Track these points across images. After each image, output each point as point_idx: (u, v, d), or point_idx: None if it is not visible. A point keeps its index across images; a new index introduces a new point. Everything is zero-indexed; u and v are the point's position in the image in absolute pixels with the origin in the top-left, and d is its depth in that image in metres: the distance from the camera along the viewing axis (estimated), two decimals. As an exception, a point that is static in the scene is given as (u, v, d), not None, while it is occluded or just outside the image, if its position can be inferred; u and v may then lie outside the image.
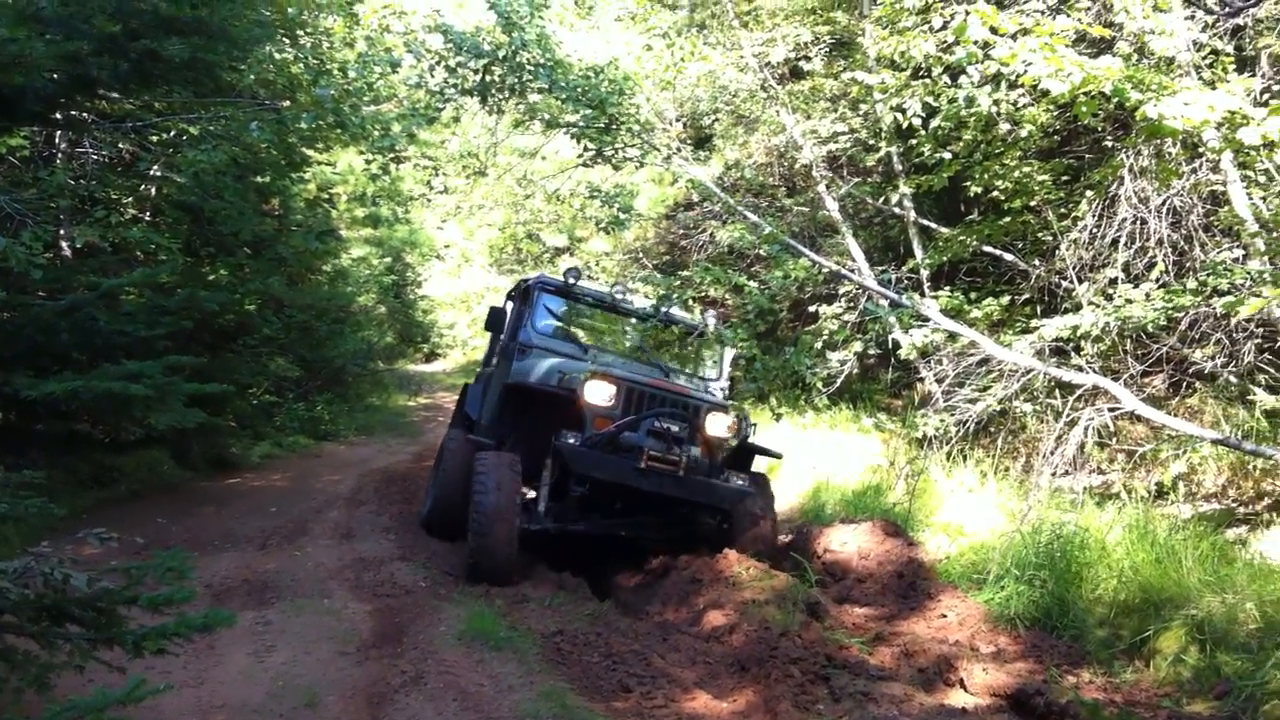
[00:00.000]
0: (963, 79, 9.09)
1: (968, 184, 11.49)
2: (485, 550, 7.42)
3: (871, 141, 14.00)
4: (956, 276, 12.83)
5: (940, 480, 10.24)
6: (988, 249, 12.30)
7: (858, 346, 10.51)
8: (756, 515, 8.46)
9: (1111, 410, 7.83)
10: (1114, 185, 10.22)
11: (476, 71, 10.50)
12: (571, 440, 7.78)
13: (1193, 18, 8.88)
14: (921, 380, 12.49)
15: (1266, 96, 8.56)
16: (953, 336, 9.19)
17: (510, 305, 10.38)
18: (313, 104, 11.33)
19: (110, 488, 9.66)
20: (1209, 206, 9.93)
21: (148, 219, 11.51)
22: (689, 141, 17.46)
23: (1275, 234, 8.36)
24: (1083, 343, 8.66)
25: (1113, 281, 9.80)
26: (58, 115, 8.54)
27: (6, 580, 3.41)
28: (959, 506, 9.79)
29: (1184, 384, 10.44)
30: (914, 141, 11.52)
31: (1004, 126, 10.52)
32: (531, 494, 8.15)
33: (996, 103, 9.81)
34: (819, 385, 10.65)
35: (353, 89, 12.11)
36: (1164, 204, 9.73)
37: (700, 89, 16.36)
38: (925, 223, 13.48)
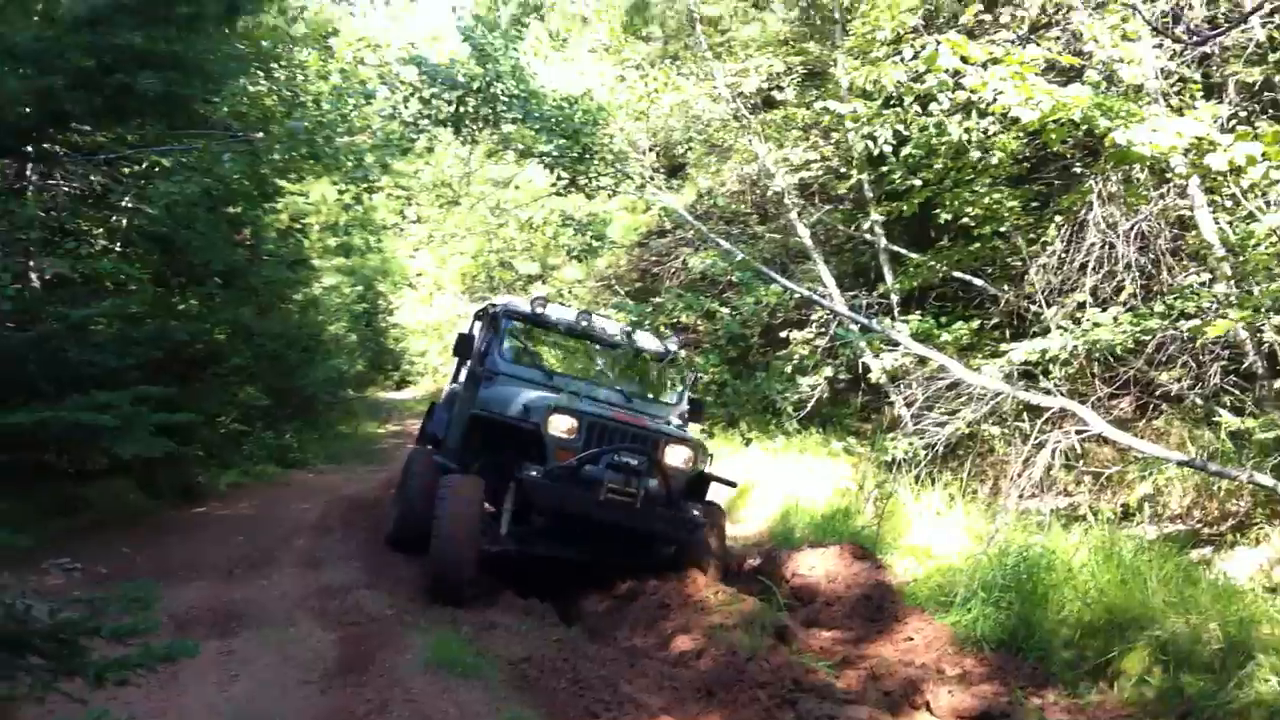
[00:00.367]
0: (933, 107, 9.20)
1: (938, 210, 11.59)
2: (446, 569, 7.64)
3: (843, 169, 14.12)
4: (926, 301, 12.93)
5: (909, 503, 10.26)
6: (957, 274, 12.39)
7: (828, 371, 10.60)
8: (708, 544, 8.69)
9: (1079, 433, 7.90)
10: (1082, 210, 10.35)
11: (450, 103, 10.56)
12: (534, 473, 7.97)
13: (1160, 46, 9.01)
14: (891, 404, 12.55)
15: (1233, 123, 8.67)
16: (922, 360, 9.27)
17: (478, 327, 10.43)
18: (286, 135, 11.35)
19: (75, 517, 9.56)
20: (1176, 231, 10.06)
21: (118, 250, 11.46)
22: (662, 170, 17.54)
23: (1241, 258, 8.46)
24: (1051, 366, 8.72)
25: (1081, 305, 9.90)
26: (29, 149, 8.50)
27: (-32, 612, 3.39)
28: (927, 529, 9.81)
29: (1150, 406, 10.52)
30: (885, 169, 11.63)
31: (974, 154, 10.63)
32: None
33: (967, 130, 9.94)
34: (789, 410, 10.72)
35: (327, 120, 12.14)
36: (1132, 229, 9.85)
37: (673, 119, 16.45)
38: (896, 248, 13.58)
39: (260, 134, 11.88)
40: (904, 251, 13.43)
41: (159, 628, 3.74)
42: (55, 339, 7.91)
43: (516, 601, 7.86)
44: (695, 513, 8.49)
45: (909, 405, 10.05)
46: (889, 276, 13.46)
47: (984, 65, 6.58)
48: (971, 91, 6.75)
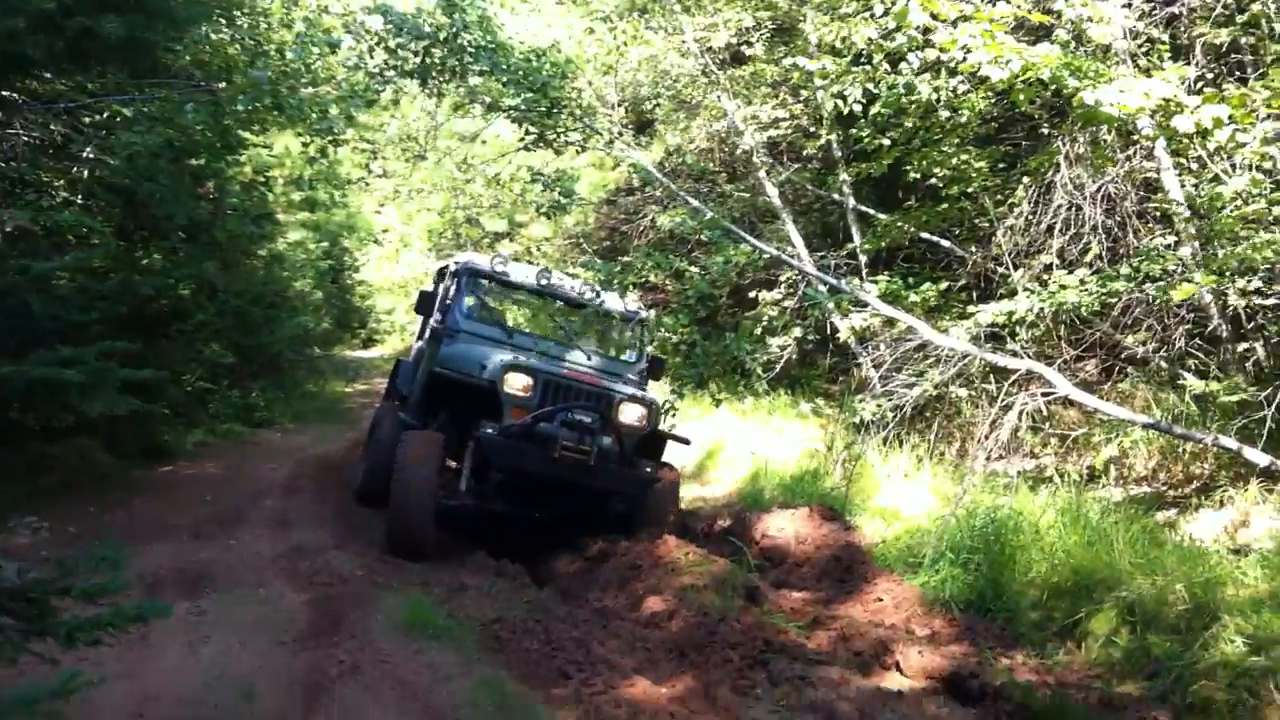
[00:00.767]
0: (903, 65, 9.16)
1: (907, 170, 11.59)
2: (404, 523, 7.83)
3: (812, 128, 14.08)
4: (895, 262, 12.97)
5: (877, 465, 10.33)
6: (925, 235, 12.43)
7: (797, 332, 10.60)
8: (659, 500, 8.83)
9: (1045, 395, 7.96)
10: (1050, 172, 10.37)
11: (417, 53, 10.39)
12: (490, 430, 8.14)
13: (1129, 5, 8.99)
14: (859, 366, 12.59)
15: (1200, 85, 8.69)
16: (890, 322, 9.30)
17: (440, 286, 10.42)
18: (249, 85, 11.14)
19: (42, 476, 9.45)
20: (1143, 193, 10.11)
21: (80, 202, 11.25)
22: (630, 126, 17.44)
23: (1207, 221, 8.51)
24: (1018, 328, 8.79)
25: (1048, 267, 9.96)
26: (-10, 95, 8.33)
27: (-66, 572, 3.35)
28: (895, 491, 9.88)
29: (1116, 369, 10.62)
30: (854, 129, 11.59)
31: (943, 113, 10.61)
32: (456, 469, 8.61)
33: (936, 89, 9.91)
34: (759, 371, 10.73)
35: (290, 70, 11.90)
36: (1099, 191, 9.90)
37: (642, 73, 16.37)
38: (864, 209, 13.59)
39: (223, 84, 11.66)
40: (872, 212, 13.45)
41: (129, 588, 3.71)
42: (18, 291, 7.79)
43: (488, 563, 7.91)
44: (648, 469, 8.67)
45: (877, 367, 10.08)
46: (857, 236, 13.48)
47: (954, 22, 6.56)
48: (941, 50, 6.74)
